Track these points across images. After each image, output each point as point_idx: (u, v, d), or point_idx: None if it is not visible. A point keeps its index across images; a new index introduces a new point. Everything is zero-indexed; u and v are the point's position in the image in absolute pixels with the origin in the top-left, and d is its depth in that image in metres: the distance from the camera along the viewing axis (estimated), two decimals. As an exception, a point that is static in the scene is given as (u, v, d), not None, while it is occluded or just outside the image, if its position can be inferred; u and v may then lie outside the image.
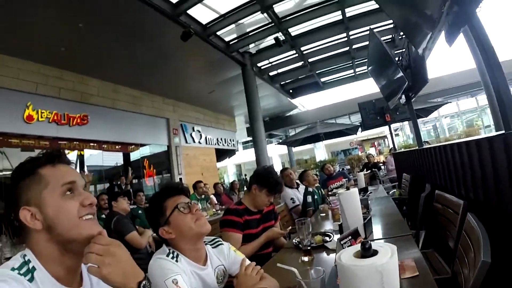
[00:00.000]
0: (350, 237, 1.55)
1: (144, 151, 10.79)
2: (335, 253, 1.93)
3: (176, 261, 1.35)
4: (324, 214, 3.58)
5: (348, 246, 1.34)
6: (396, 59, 4.86)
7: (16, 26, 5.55)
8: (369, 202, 3.28)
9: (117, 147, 9.29)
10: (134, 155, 10.52)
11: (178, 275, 1.23)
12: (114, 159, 10.06)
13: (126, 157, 10.30)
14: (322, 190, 5.12)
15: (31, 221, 0.84)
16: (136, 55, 7.48)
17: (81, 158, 8.50)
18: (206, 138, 13.23)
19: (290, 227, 3.01)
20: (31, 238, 0.86)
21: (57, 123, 7.32)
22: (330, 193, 5.10)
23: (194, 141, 12.41)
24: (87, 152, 8.73)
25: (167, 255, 1.36)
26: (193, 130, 12.50)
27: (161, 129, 10.92)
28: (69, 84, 7.65)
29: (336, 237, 2.27)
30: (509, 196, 1.50)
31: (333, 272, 1.53)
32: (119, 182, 6.96)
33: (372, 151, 21.60)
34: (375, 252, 0.75)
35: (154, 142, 10.74)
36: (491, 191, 1.68)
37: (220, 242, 1.66)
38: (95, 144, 8.56)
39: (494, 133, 1.66)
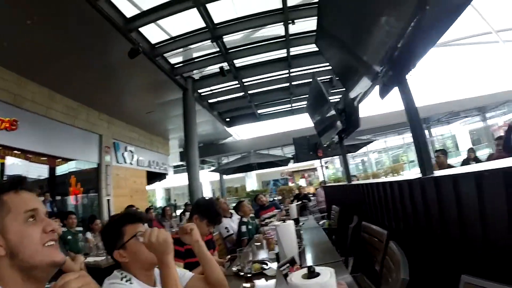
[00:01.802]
0: (288, 265, 1.74)
1: (73, 167, 10.03)
2: (274, 279, 2.15)
3: (131, 283, 1.42)
4: (259, 244, 3.74)
5: (287, 273, 1.54)
6: (332, 101, 5.34)
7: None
8: (301, 232, 3.54)
9: (43, 158, 8.40)
10: (62, 169, 9.76)
11: None
12: (39, 171, 9.11)
13: (52, 171, 9.49)
14: (256, 220, 5.32)
15: None
16: (80, 63, 7.12)
17: (1, 166, 7.33)
18: (138, 159, 12.75)
19: (229, 256, 3.14)
20: None
21: (-18, 125, 6.47)
22: (262, 223, 5.32)
23: (125, 162, 11.87)
24: (9, 161, 7.58)
25: (121, 279, 1.42)
26: (126, 150, 11.99)
27: (93, 145, 10.21)
28: (2, 83, 6.87)
29: (273, 265, 2.47)
30: (425, 226, 1.84)
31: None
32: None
33: (302, 182, 22.46)
34: (318, 274, 0.96)
35: (84, 159, 9.97)
36: (410, 221, 2.03)
37: None
38: (20, 153, 7.62)
39: (412, 177, 2.02)
